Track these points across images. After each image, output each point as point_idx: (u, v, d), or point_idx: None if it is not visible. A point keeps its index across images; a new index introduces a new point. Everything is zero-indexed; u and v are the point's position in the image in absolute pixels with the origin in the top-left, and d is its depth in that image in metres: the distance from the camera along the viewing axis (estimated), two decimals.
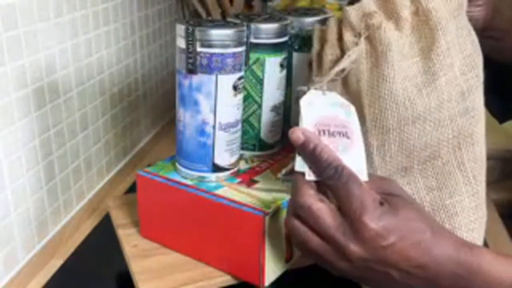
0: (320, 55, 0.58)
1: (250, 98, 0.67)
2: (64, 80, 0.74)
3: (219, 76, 0.60)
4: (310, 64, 0.67)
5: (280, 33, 0.65)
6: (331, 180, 0.47)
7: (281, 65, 0.67)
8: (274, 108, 0.68)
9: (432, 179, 0.54)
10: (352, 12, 0.53)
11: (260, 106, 0.67)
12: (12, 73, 0.63)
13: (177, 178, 0.64)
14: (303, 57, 0.68)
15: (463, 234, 0.54)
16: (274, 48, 0.65)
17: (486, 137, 0.54)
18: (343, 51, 0.55)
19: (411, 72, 0.52)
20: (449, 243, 0.47)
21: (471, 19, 0.58)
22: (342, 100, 0.53)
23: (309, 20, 0.67)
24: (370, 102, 0.53)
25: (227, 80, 0.60)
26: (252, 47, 0.64)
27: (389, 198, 0.48)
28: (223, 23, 0.62)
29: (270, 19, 0.66)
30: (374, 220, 0.45)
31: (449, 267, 0.46)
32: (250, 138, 0.69)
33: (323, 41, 0.58)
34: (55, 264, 0.70)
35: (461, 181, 0.52)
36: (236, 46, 0.60)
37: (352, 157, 0.50)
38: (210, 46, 0.58)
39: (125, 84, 0.93)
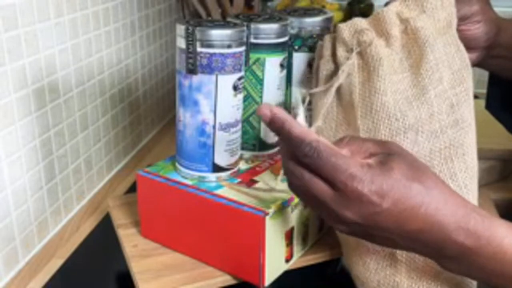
0: (317, 70, 0.60)
1: (250, 98, 0.67)
2: (64, 80, 0.74)
3: (219, 76, 0.60)
4: (310, 64, 0.68)
5: (280, 33, 0.65)
6: (308, 158, 0.44)
7: (281, 65, 0.67)
8: None
9: None
10: (345, 29, 0.56)
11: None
12: (12, 73, 0.63)
13: (177, 178, 0.65)
14: (303, 57, 0.68)
15: None
16: (274, 48, 0.65)
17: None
18: (336, 66, 0.57)
19: (401, 86, 0.53)
20: (457, 208, 0.43)
21: (473, 37, 0.60)
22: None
23: (309, 20, 0.67)
24: (363, 114, 0.54)
25: (227, 80, 0.60)
26: (252, 47, 0.64)
27: (384, 157, 0.44)
28: (223, 23, 0.62)
29: (270, 19, 0.66)
30: (366, 185, 0.42)
31: (454, 235, 0.43)
32: (250, 138, 0.69)
33: (320, 57, 0.60)
34: (55, 264, 0.70)
35: None
36: (236, 46, 0.60)
37: None
38: (210, 46, 0.58)
39: (125, 84, 0.93)
